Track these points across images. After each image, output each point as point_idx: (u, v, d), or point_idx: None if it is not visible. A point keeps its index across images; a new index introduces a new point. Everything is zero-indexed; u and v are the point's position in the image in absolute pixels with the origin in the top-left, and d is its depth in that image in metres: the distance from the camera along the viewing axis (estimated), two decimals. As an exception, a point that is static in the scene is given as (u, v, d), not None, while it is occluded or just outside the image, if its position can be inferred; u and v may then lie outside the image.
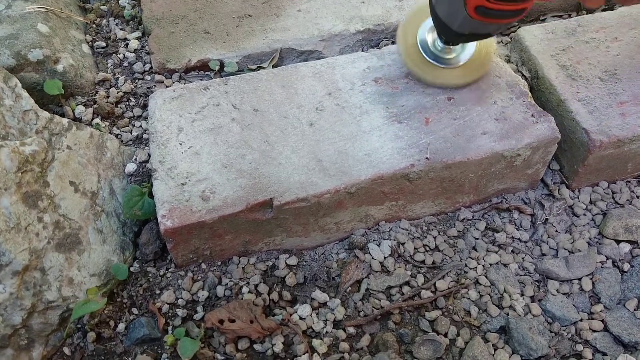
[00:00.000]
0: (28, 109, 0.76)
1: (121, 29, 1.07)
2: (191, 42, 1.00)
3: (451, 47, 0.82)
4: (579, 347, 0.75)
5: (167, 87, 0.97)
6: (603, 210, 0.87)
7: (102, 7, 1.10)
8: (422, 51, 0.84)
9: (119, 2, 1.11)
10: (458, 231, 0.86)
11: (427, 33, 0.84)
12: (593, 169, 0.86)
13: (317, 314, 0.77)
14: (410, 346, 0.74)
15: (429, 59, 0.83)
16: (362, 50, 1.03)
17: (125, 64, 1.02)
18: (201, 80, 0.97)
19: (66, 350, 0.72)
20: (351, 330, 0.75)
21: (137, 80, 1.00)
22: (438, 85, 0.85)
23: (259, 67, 0.98)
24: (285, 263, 0.81)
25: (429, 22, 0.82)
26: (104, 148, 0.84)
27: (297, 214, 0.76)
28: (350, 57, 0.90)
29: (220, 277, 0.79)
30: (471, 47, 0.84)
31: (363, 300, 0.78)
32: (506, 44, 1.06)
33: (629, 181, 0.91)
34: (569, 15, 1.10)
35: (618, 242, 0.84)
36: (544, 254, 0.84)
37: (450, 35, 0.76)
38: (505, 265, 0.82)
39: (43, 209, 0.70)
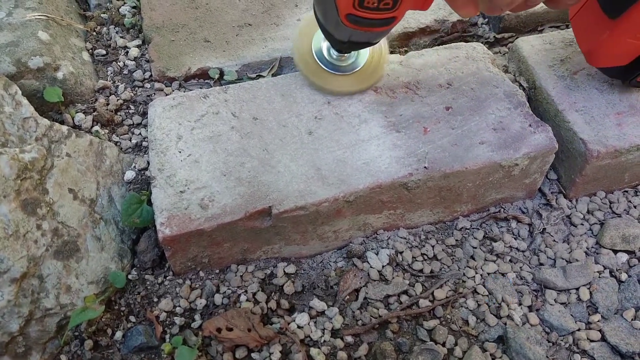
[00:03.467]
0: (28, 116, 0.76)
1: (121, 37, 1.08)
2: (191, 50, 1.00)
3: (345, 55, 0.83)
4: (577, 357, 0.75)
5: (166, 95, 0.97)
6: (600, 220, 0.88)
7: (102, 15, 1.11)
8: (317, 59, 0.84)
9: (120, 10, 1.12)
10: (456, 240, 0.86)
11: (322, 41, 0.84)
12: (590, 178, 0.86)
13: (315, 322, 0.77)
14: (408, 355, 0.74)
15: (323, 67, 0.84)
16: (361, 60, 1.03)
17: (125, 71, 1.03)
18: (201, 88, 0.97)
19: (63, 358, 0.72)
20: (349, 339, 0.75)
21: (136, 88, 1.00)
22: (333, 93, 0.85)
23: (259, 76, 0.99)
24: (284, 271, 0.81)
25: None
26: (103, 155, 0.84)
27: (296, 222, 0.76)
28: (349, 66, 0.91)
29: (218, 285, 0.79)
30: (364, 54, 0.84)
31: (361, 309, 0.78)
32: (504, 54, 1.06)
33: (626, 191, 0.91)
34: (567, 26, 1.11)
35: (615, 252, 0.85)
36: (541, 264, 0.84)
37: (334, 43, 0.77)
38: (503, 274, 0.83)
39: (42, 216, 0.70)
